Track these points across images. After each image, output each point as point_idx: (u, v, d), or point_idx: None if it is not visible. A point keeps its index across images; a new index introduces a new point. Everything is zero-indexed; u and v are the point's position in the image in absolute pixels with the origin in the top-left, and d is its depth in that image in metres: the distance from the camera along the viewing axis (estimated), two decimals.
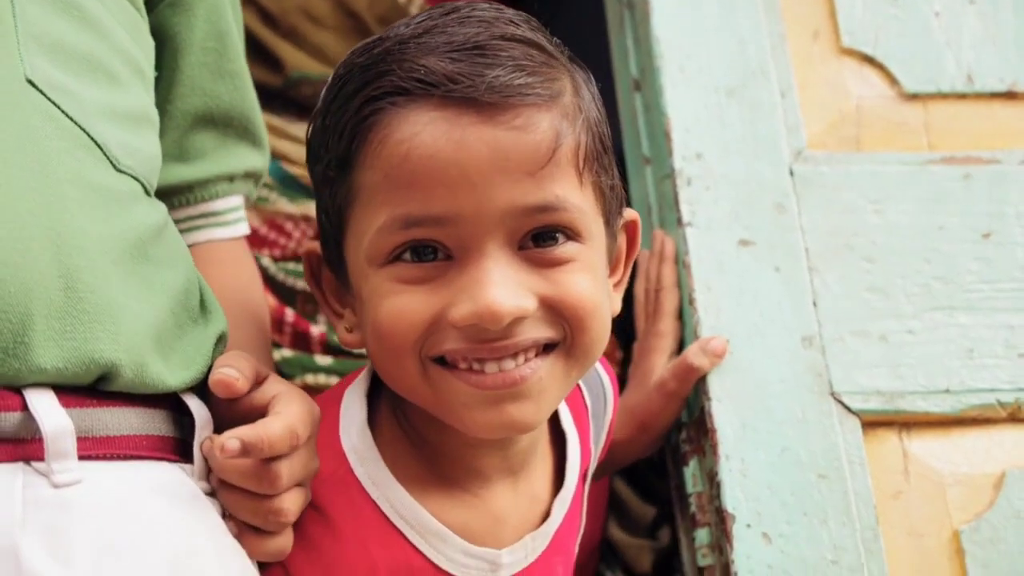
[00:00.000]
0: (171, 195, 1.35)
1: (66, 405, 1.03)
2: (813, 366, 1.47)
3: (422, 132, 1.11)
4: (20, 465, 1.01)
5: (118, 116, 1.15)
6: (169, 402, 1.12)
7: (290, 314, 1.68)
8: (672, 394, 1.48)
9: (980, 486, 1.46)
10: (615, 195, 1.24)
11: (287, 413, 1.10)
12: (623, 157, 1.68)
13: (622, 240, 1.29)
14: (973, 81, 1.66)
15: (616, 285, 1.28)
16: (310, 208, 1.71)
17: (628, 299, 1.59)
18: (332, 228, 1.22)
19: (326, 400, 1.27)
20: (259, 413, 1.12)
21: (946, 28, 1.68)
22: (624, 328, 1.59)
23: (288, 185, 1.69)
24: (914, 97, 1.65)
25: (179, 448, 1.12)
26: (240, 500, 1.12)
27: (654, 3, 1.62)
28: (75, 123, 1.09)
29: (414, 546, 1.22)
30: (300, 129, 1.73)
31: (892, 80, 1.65)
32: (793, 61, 1.63)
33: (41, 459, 1.01)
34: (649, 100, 1.63)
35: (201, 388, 1.16)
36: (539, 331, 1.15)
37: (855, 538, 1.40)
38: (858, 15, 1.67)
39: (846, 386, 1.47)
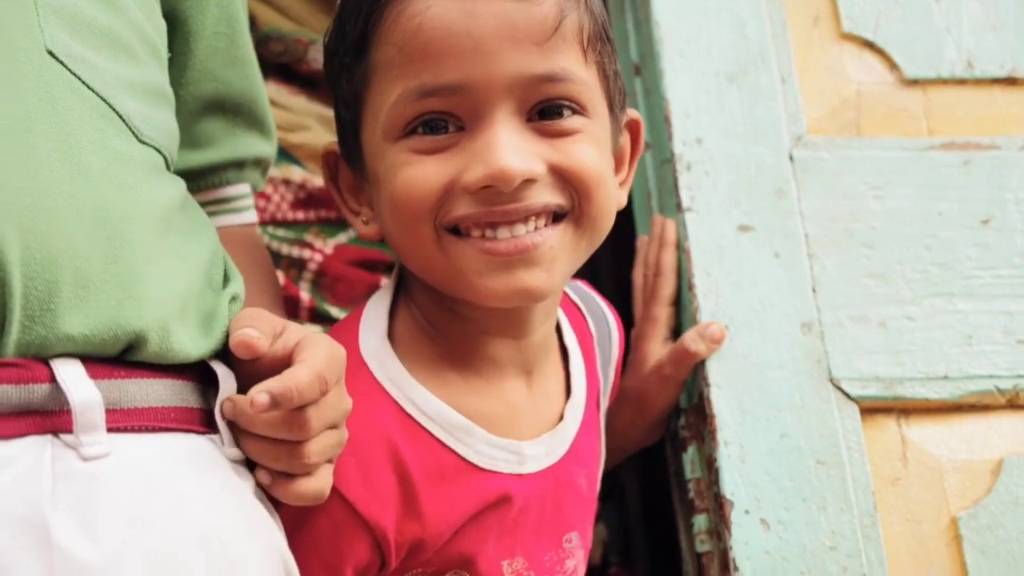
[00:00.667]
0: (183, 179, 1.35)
1: (94, 376, 1.03)
2: (812, 352, 1.47)
3: (434, 5, 1.19)
4: (49, 438, 1.01)
5: (137, 89, 1.15)
6: (195, 372, 1.13)
7: (279, 276, 1.68)
8: (668, 378, 1.49)
9: (978, 472, 1.46)
10: (618, 84, 1.30)
11: (313, 359, 1.10)
12: None
13: (626, 139, 1.35)
14: (973, 67, 1.65)
15: (622, 184, 1.34)
16: (291, 172, 1.71)
17: (627, 284, 1.60)
18: (350, 116, 1.27)
19: (350, 318, 1.32)
20: (284, 364, 1.11)
21: (946, 14, 1.67)
22: (623, 316, 1.59)
23: None
24: (914, 83, 1.64)
25: (206, 419, 1.13)
26: (269, 449, 1.11)
27: None
28: (96, 94, 1.09)
29: (440, 441, 1.26)
30: (271, 89, 1.72)
31: (892, 65, 1.65)
32: (793, 46, 1.63)
33: (70, 431, 1.01)
34: (649, 85, 1.62)
35: (224, 354, 1.16)
36: (548, 196, 1.20)
37: (853, 524, 1.40)
38: (858, 0, 1.67)
39: (845, 372, 1.47)
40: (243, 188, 1.42)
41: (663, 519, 1.84)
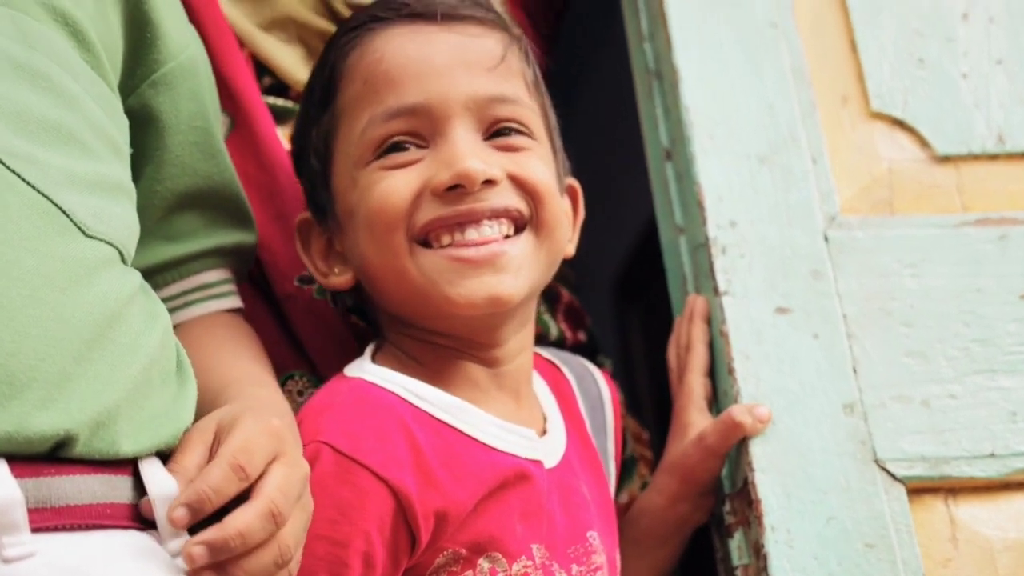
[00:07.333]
0: (159, 272, 1.35)
1: (20, 475, 1.01)
2: (856, 433, 1.46)
3: (393, 40, 1.37)
4: None
5: (89, 184, 1.14)
6: (135, 466, 1.10)
7: None
8: (710, 448, 1.47)
9: None
10: (559, 143, 1.46)
11: (262, 487, 1.07)
12: (656, 227, 1.68)
13: (568, 204, 1.47)
14: (1004, 141, 1.65)
15: (568, 241, 1.46)
16: None
17: (662, 369, 1.59)
18: (320, 166, 1.40)
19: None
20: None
21: (974, 89, 1.68)
22: (658, 397, 1.58)
23: None
24: (946, 159, 1.64)
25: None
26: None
27: (683, 72, 1.62)
28: (37, 191, 1.08)
29: (441, 420, 1.31)
30: None
31: (923, 143, 1.65)
32: (823, 126, 1.63)
33: None
34: (680, 169, 1.62)
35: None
36: (509, 199, 1.33)
37: None
38: (886, 79, 1.67)
39: (890, 453, 1.45)
40: (222, 274, 1.41)
41: None
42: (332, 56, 1.40)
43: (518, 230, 1.34)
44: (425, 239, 1.32)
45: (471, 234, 1.31)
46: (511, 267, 1.32)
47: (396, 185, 1.32)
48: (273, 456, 1.11)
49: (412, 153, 1.33)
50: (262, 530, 1.06)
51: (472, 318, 1.33)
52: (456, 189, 1.31)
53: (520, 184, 1.34)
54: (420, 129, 1.34)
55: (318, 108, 1.41)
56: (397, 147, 1.34)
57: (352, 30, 1.40)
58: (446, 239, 1.31)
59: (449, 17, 1.38)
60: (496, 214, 1.32)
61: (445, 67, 1.35)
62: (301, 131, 1.46)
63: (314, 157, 1.41)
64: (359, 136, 1.35)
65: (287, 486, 1.10)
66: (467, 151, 1.31)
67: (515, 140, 1.36)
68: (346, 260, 1.40)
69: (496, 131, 1.36)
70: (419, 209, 1.31)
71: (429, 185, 1.31)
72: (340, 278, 1.41)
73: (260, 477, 1.09)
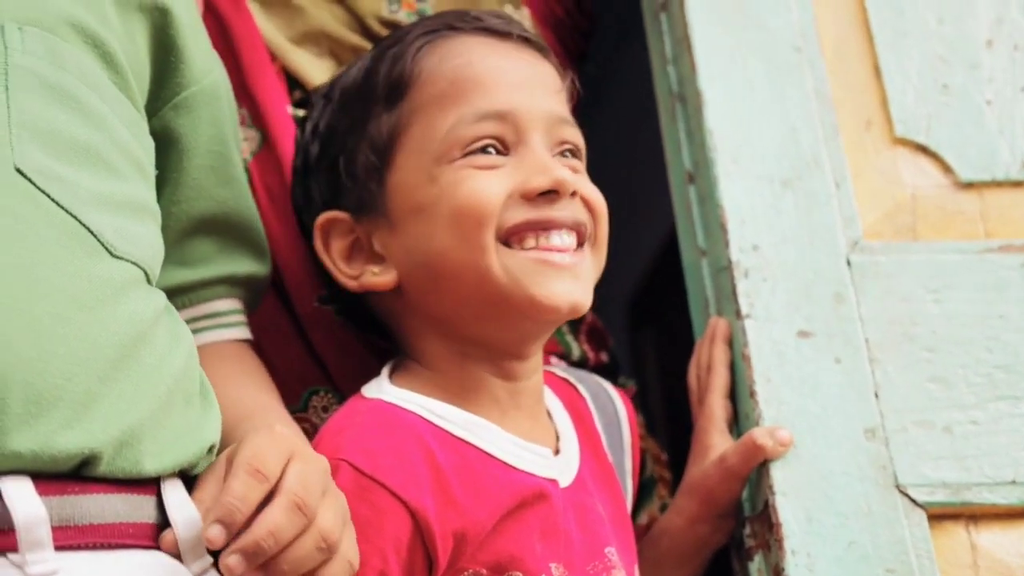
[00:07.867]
0: (172, 296, 1.33)
1: (44, 493, 1.01)
2: (877, 458, 1.45)
3: (477, 49, 1.41)
4: None
5: (116, 204, 1.15)
6: (158, 485, 1.11)
7: None
8: (731, 469, 1.47)
9: None
10: None
11: (284, 486, 1.07)
12: (671, 249, 1.68)
13: None
14: None
15: None
16: None
17: (676, 391, 1.59)
18: (377, 160, 1.40)
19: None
20: None
21: (998, 116, 1.68)
22: (672, 419, 1.58)
23: None
24: (969, 185, 1.64)
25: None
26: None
27: (706, 95, 1.62)
28: (65, 210, 1.09)
29: (460, 438, 1.33)
30: None
31: (946, 169, 1.65)
32: (847, 151, 1.63)
33: (16, 550, 1.00)
34: (703, 192, 1.63)
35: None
36: (581, 214, 1.38)
37: None
38: (910, 104, 1.67)
39: (911, 478, 1.45)
40: (233, 303, 1.41)
41: None
42: (403, 56, 1.42)
43: (579, 245, 1.38)
44: (506, 240, 1.34)
45: (555, 240, 1.35)
46: (582, 276, 1.37)
47: (489, 184, 1.34)
48: (287, 457, 1.11)
49: (496, 158, 1.36)
50: (292, 524, 1.06)
51: (538, 322, 1.37)
52: (548, 195, 1.35)
53: (585, 201, 1.39)
54: (505, 135, 1.37)
55: (382, 104, 1.41)
56: (484, 149, 1.37)
57: (426, 34, 1.43)
58: (530, 242, 1.35)
59: (521, 39, 1.44)
60: (576, 225, 1.37)
61: (527, 81, 1.40)
62: (351, 127, 1.43)
63: (371, 151, 1.40)
64: (447, 132, 1.36)
65: (307, 480, 1.10)
66: (556, 164, 1.37)
67: (573, 162, 1.41)
68: (383, 260, 1.39)
69: (560, 151, 1.40)
70: (507, 210, 1.34)
71: (521, 188, 1.34)
72: (379, 278, 1.39)
73: (279, 480, 1.09)
